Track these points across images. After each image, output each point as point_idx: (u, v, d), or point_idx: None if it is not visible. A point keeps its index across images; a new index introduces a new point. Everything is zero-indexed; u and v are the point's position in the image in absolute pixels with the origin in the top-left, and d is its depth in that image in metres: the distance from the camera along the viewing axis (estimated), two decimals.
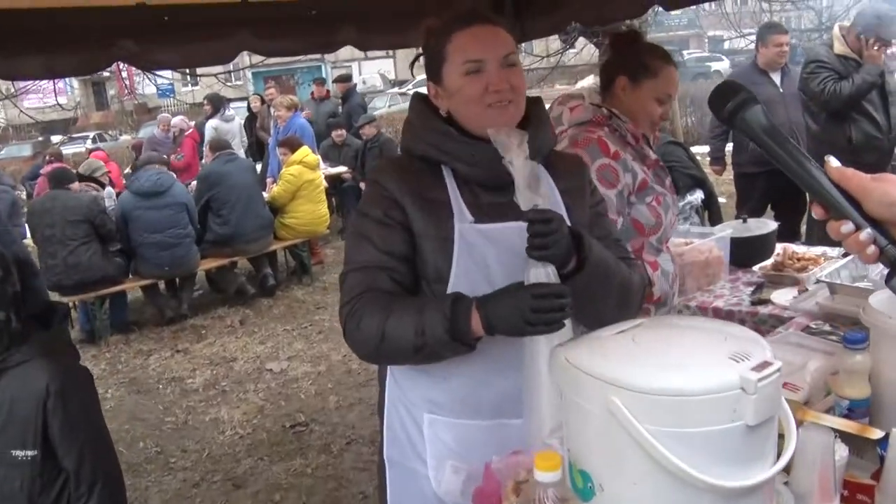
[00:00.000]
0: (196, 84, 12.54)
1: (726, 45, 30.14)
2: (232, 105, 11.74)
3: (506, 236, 1.57)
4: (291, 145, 7.55)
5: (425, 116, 1.68)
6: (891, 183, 1.03)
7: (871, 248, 1.02)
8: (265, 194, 7.56)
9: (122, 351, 6.21)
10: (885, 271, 1.04)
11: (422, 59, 1.71)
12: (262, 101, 11.09)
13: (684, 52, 33.80)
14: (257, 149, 11.18)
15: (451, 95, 1.62)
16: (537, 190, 1.43)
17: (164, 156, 8.15)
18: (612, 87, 2.39)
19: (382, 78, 35.53)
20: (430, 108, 1.69)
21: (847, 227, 1.04)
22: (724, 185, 7.33)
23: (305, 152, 7.51)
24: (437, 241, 1.59)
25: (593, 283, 1.53)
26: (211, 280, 7.41)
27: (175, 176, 6.89)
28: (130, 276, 6.54)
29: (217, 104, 10.34)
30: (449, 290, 1.56)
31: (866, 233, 1.02)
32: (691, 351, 1.14)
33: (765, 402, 1.06)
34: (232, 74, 14.06)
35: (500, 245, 1.58)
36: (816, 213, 1.09)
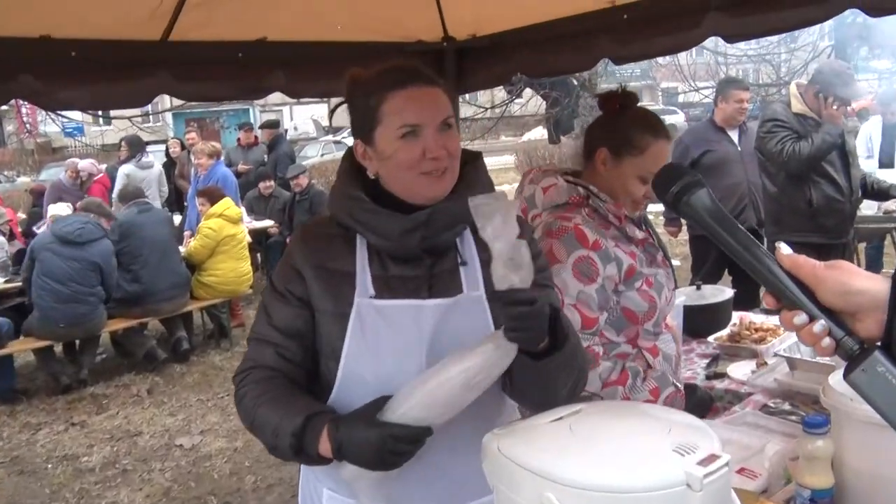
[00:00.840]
0: (109, 123, 12.34)
1: (681, 98, 31.31)
2: (149, 149, 11.62)
3: (401, 315, 1.63)
4: (211, 196, 7.51)
5: (346, 178, 1.73)
6: (845, 271, 1.04)
7: (827, 341, 1.03)
8: (182, 249, 7.47)
9: (6, 424, 5.95)
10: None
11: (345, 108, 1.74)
12: (183, 147, 11.02)
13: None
14: (176, 199, 11.05)
15: (384, 159, 1.65)
16: (518, 269, 1.43)
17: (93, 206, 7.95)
18: (592, 159, 2.33)
19: (315, 124, 35.78)
20: (354, 169, 1.73)
21: (800, 318, 1.04)
22: (679, 247, 7.50)
23: (226, 204, 7.47)
24: (334, 317, 1.65)
25: (559, 367, 1.55)
26: (117, 343, 7.22)
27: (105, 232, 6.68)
28: (21, 336, 6.35)
29: (135, 148, 10.24)
30: (340, 370, 1.63)
31: (820, 324, 1.03)
32: (633, 442, 1.13)
33: (713, 498, 1.04)
34: (151, 116, 13.91)
35: (394, 324, 1.62)
36: (768, 302, 1.11)
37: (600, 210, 2.28)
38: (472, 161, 1.75)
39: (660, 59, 13.65)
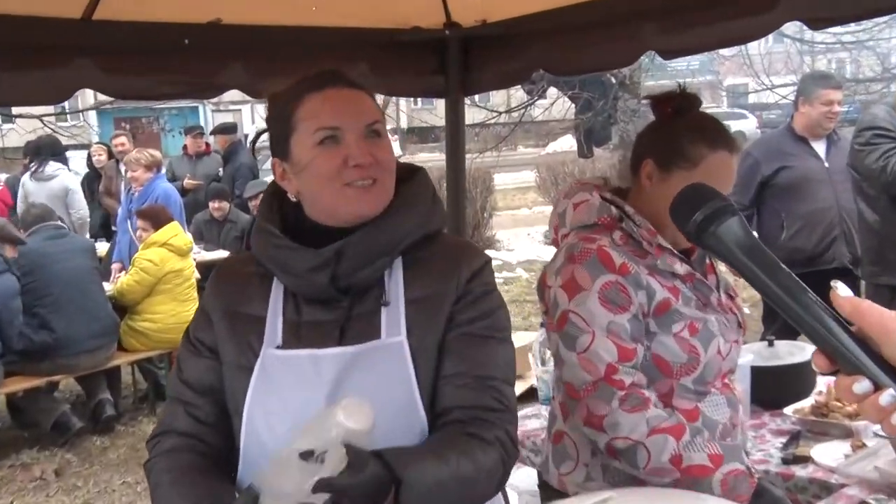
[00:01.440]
0: (11, 121, 12.35)
1: (751, 99, 31.47)
2: (68, 155, 11.60)
3: (301, 367, 1.78)
4: (155, 219, 7.51)
5: (264, 208, 1.91)
6: None
7: None
8: (108, 286, 7.45)
9: None
10: None
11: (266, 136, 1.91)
12: (110, 155, 11.04)
13: None
14: (100, 221, 11.05)
15: (300, 171, 1.80)
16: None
17: None
18: (638, 172, 2.44)
19: None
20: (274, 196, 1.90)
21: (861, 385, 0.99)
22: (748, 291, 7.51)
23: (173, 230, 7.48)
24: (238, 370, 1.83)
25: None
26: (15, 409, 7.16)
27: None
28: None
29: (37, 154, 10.12)
30: (243, 430, 1.80)
31: (889, 395, 0.97)
32: None
33: None
34: (68, 114, 13.94)
35: (296, 378, 1.78)
36: (819, 364, 1.05)
37: (634, 235, 2.37)
38: (411, 177, 1.90)
39: (724, 50, 13.77)
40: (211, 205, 9.73)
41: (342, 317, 1.80)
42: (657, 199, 2.34)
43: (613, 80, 13.90)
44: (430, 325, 1.82)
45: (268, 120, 1.89)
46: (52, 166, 10.07)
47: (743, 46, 12.49)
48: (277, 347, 1.80)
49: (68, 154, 11.51)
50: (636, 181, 2.44)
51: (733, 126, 32.60)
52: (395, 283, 1.83)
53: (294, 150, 1.80)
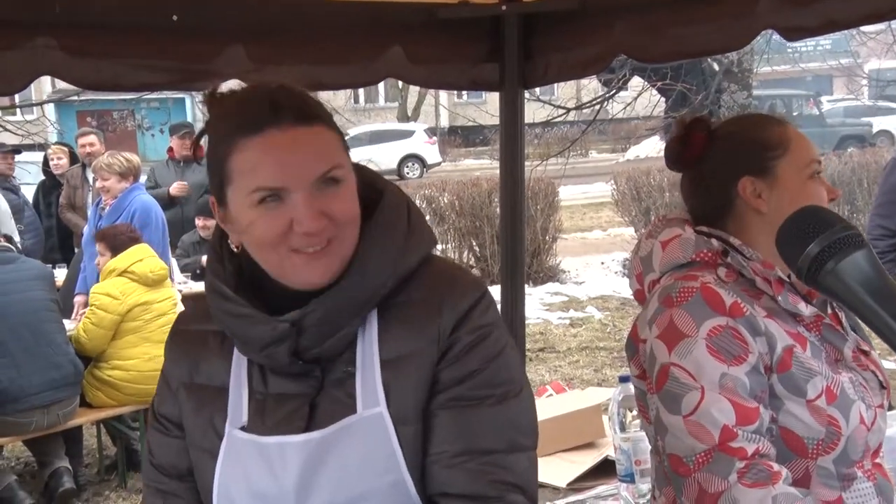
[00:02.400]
0: None
1: None
2: (21, 158, 11.73)
3: (266, 454, 1.84)
4: (111, 240, 7.51)
5: (212, 254, 1.97)
6: None
7: None
8: (69, 324, 7.49)
9: None
10: None
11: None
12: (73, 158, 11.13)
13: (823, 99, 34.61)
14: (60, 242, 11.12)
15: (240, 232, 1.86)
16: None
17: None
18: (733, 201, 2.45)
19: None
20: (224, 240, 1.95)
21: None
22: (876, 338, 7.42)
23: (137, 254, 7.46)
24: (202, 453, 1.92)
25: None
26: None
27: None
28: None
29: None
30: None
31: None
32: None
33: None
34: (19, 108, 14.08)
35: (262, 465, 1.84)
36: None
37: (744, 272, 2.36)
38: (376, 202, 1.90)
39: (866, 27, 13.62)
40: (197, 222, 9.84)
41: (313, 389, 1.86)
42: (780, 212, 2.34)
43: (716, 67, 13.79)
44: (410, 390, 1.84)
45: (208, 137, 1.92)
46: None
47: (889, 23, 12.39)
48: (242, 428, 1.87)
49: (20, 157, 11.61)
50: (733, 212, 2.46)
51: (878, 124, 32.20)
52: (370, 341, 1.86)
53: (231, 206, 1.84)
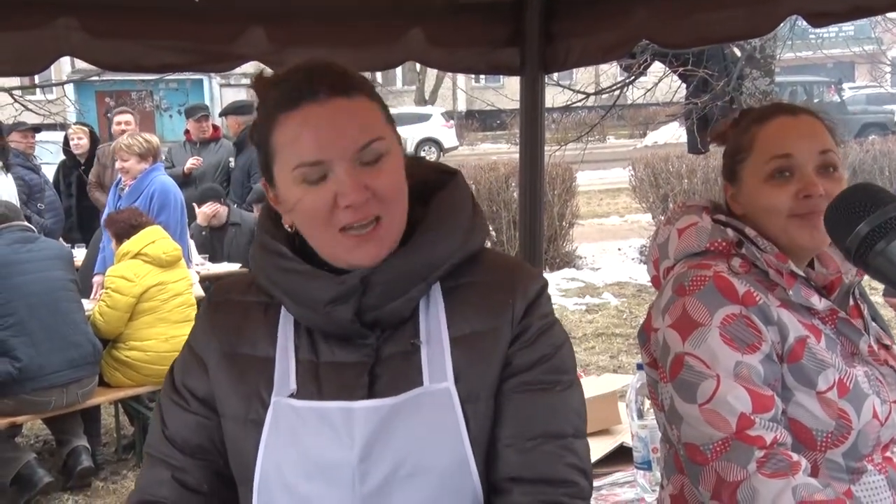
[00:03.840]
0: None
1: None
2: (41, 137, 11.72)
3: (325, 421, 1.81)
4: (119, 225, 7.52)
5: (266, 223, 1.95)
6: None
7: None
8: (88, 304, 7.51)
9: None
10: None
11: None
12: (92, 138, 11.14)
13: (845, 86, 34.43)
14: (79, 222, 11.13)
15: (289, 211, 1.86)
16: None
17: None
18: (727, 203, 2.54)
19: None
20: (276, 212, 1.94)
21: None
22: None
23: (150, 236, 7.47)
24: (244, 425, 1.87)
25: None
26: None
27: None
28: None
29: None
30: (254, 499, 1.84)
31: None
32: None
33: None
34: (40, 88, 14.10)
35: (318, 434, 1.81)
36: None
37: (758, 263, 2.37)
38: (446, 182, 1.93)
39: (891, 13, 13.53)
40: (198, 211, 9.80)
41: (369, 358, 1.84)
42: (753, 214, 2.43)
43: (738, 53, 13.70)
44: (482, 369, 1.84)
45: (255, 127, 1.91)
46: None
47: None
48: (291, 396, 1.84)
49: (41, 136, 11.60)
50: (733, 212, 2.51)
51: None
52: (435, 317, 1.87)
53: (278, 185, 1.85)
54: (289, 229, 1.89)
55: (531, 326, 1.87)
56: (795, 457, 2.18)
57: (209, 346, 1.93)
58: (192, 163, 10.69)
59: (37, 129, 11.38)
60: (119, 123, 10.74)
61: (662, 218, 2.66)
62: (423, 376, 1.81)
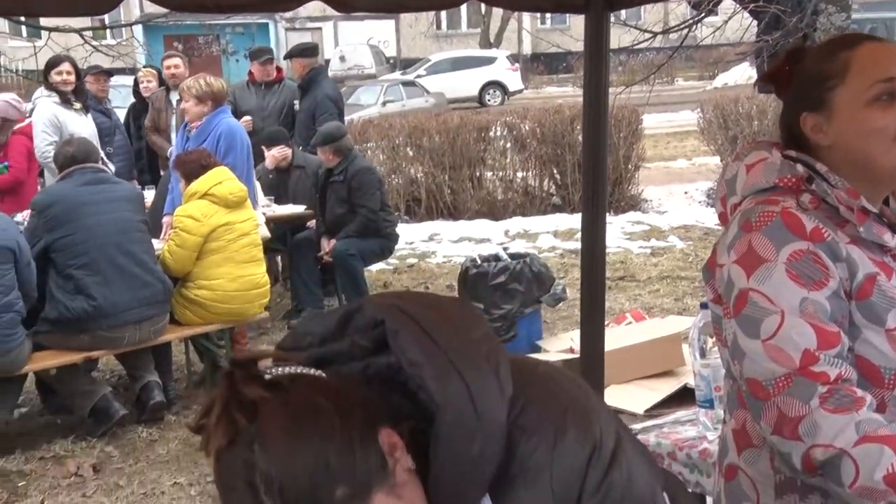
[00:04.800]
0: (39, 37, 12.54)
1: None
2: (112, 82, 11.78)
3: None
4: (187, 166, 7.56)
5: None
6: None
7: None
8: (157, 244, 7.59)
9: None
10: None
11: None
12: (161, 81, 11.22)
13: None
14: (149, 163, 11.24)
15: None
16: None
17: None
18: (803, 136, 2.43)
19: (376, 53, 36.11)
20: None
21: None
22: None
23: (217, 177, 7.49)
24: None
25: None
26: (47, 391, 7.41)
27: None
28: None
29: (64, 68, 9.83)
30: None
31: None
32: None
33: None
34: (109, 30, 14.22)
35: None
36: None
37: (828, 199, 2.32)
38: None
39: None
40: (267, 154, 9.82)
41: None
42: (840, 143, 2.36)
43: None
44: None
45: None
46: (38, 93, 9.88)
47: None
48: None
49: (112, 81, 11.67)
50: (810, 146, 2.43)
51: None
52: None
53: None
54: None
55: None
56: (860, 392, 2.16)
57: None
58: (245, 120, 10.66)
59: (110, 72, 11.45)
60: (168, 67, 10.79)
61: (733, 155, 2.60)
62: None
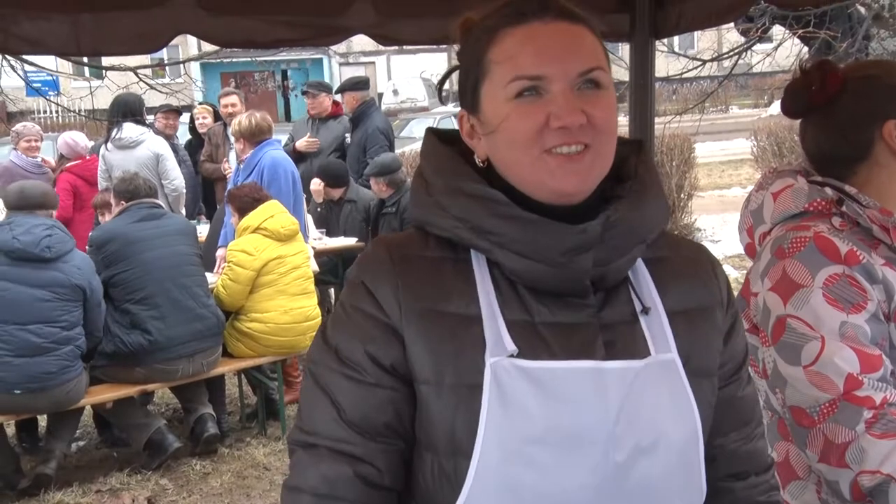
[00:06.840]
0: (100, 77, 12.63)
1: None
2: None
3: (570, 384, 1.64)
4: (240, 200, 7.63)
5: (449, 167, 1.77)
6: None
7: None
8: (211, 278, 7.65)
9: None
10: None
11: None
12: (216, 117, 11.32)
13: None
14: (205, 197, 11.32)
15: (491, 132, 1.72)
16: None
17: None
18: (870, 147, 2.39)
19: (428, 86, 36.23)
20: (457, 155, 1.79)
21: None
22: None
23: (269, 211, 7.58)
24: (455, 391, 1.66)
25: None
26: (103, 423, 7.49)
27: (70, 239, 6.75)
28: None
29: (117, 114, 9.97)
30: (472, 471, 1.63)
31: None
32: None
33: None
34: (167, 66, 14.32)
35: (559, 398, 1.64)
36: None
37: (860, 221, 2.31)
38: (634, 151, 1.82)
39: None
40: (312, 184, 9.82)
41: (594, 319, 1.70)
42: None
43: (864, 12, 13.33)
44: (702, 348, 1.78)
45: (459, 58, 1.80)
46: (134, 130, 9.85)
47: None
48: (513, 356, 1.65)
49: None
50: (873, 158, 2.38)
51: None
52: (646, 287, 1.77)
53: (484, 105, 1.72)
54: (481, 164, 1.75)
55: (734, 317, 1.85)
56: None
57: (399, 306, 1.69)
58: (304, 142, 10.70)
59: (179, 111, 11.57)
60: (225, 106, 10.87)
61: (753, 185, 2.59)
62: (649, 345, 1.71)
